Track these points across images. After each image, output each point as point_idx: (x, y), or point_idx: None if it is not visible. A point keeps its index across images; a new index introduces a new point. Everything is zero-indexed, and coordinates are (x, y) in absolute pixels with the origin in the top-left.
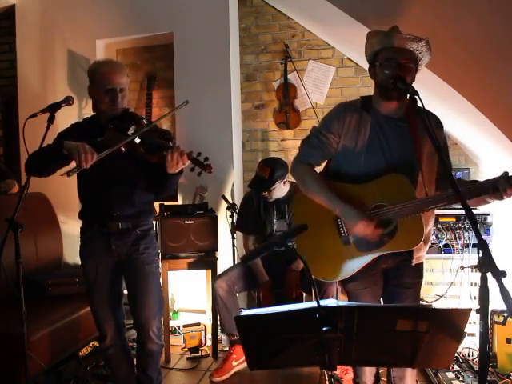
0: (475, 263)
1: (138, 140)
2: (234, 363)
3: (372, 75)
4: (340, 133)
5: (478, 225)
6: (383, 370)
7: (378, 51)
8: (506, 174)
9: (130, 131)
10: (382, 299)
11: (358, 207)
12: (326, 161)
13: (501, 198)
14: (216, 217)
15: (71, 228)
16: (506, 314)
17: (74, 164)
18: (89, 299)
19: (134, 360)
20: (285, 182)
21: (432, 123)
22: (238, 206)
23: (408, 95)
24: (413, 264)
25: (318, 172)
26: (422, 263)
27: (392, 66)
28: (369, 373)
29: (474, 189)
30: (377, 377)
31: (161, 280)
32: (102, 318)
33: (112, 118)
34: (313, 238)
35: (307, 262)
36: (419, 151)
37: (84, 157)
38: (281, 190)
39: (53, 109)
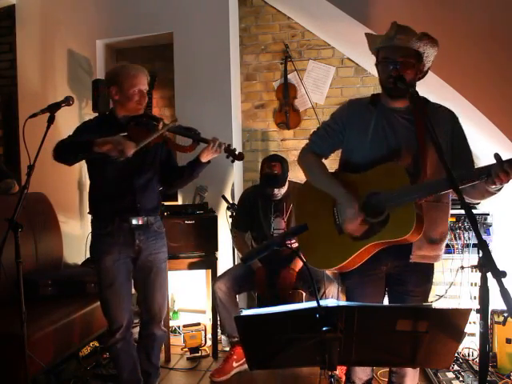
0: (475, 263)
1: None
2: (234, 364)
3: (377, 73)
4: (344, 121)
5: (478, 225)
6: (383, 370)
7: (378, 50)
8: (498, 158)
9: (160, 126)
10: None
11: (354, 194)
12: (333, 152)
13: (493, 183)
14: (216, 217)
15: (71, 228)
16: (506, 314)
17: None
18: (104, 293)
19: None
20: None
21: (442, 118)
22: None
23: (408, 95)
24: (411, 261)
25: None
26: (429, 269)
27: (390, 64)
28: (362, 373)
29: (465, 174)
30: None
31: None
32: (117, 312)
33: (133, 117)
34: (310, 228)
35: (303, 250)
36: (422, 141)
37: (124, 146)
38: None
39: (53, 109)
